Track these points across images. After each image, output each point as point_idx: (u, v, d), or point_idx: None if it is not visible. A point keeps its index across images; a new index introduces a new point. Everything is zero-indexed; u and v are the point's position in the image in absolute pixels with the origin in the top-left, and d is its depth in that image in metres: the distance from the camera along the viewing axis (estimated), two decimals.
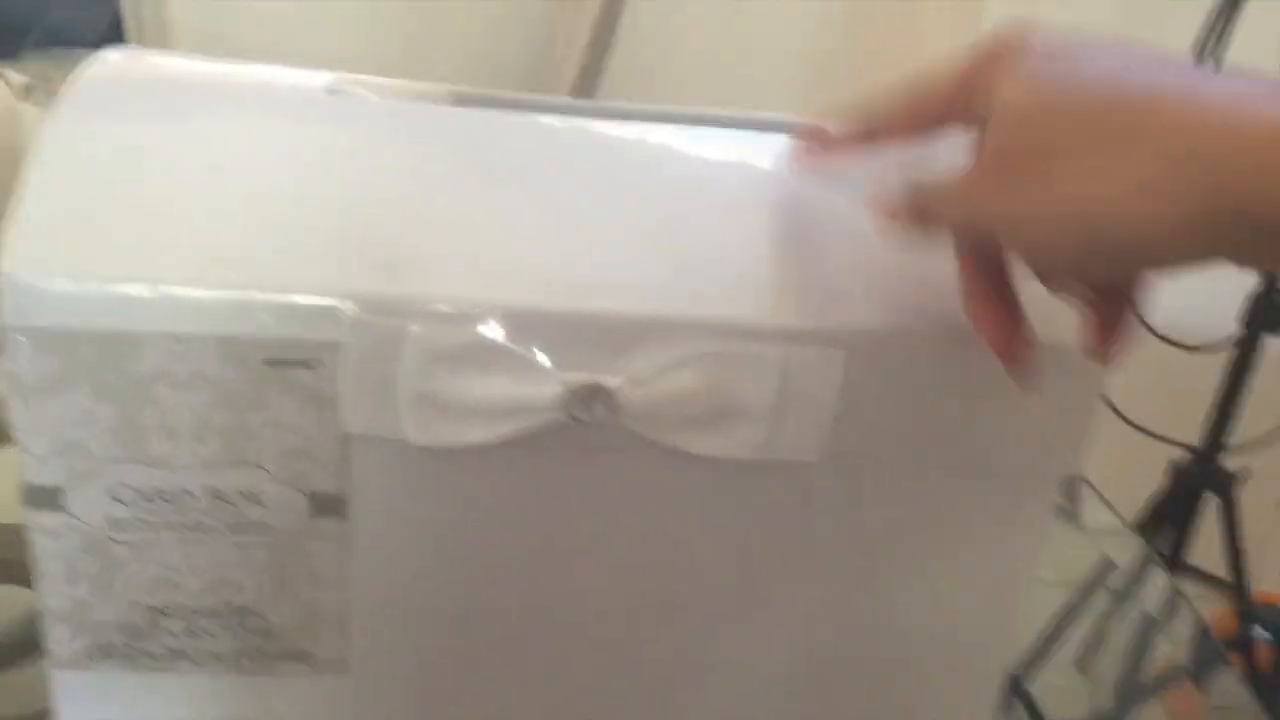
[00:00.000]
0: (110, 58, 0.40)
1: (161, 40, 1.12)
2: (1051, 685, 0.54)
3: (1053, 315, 0.37)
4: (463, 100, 0.41)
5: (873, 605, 0.41)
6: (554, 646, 0.41)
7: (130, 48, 0.42)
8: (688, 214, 0.39)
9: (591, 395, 0.35)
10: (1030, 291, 0.36)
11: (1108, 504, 0.72)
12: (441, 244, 0.36)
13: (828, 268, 0.38)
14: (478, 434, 0.36)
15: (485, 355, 0.35)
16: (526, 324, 0.35)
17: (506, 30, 1.22)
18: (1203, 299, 1.09)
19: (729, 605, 0.41)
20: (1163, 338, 1.12)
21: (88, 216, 0.35)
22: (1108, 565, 0.65)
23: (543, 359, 0.35)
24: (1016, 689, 0.52)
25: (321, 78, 0.42)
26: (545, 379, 0.35)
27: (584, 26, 1.15)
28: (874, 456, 0.38)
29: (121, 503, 0.36)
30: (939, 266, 0.38)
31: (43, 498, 0.36)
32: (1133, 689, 0.57)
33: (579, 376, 0.35)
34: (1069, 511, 0.69)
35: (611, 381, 0.36)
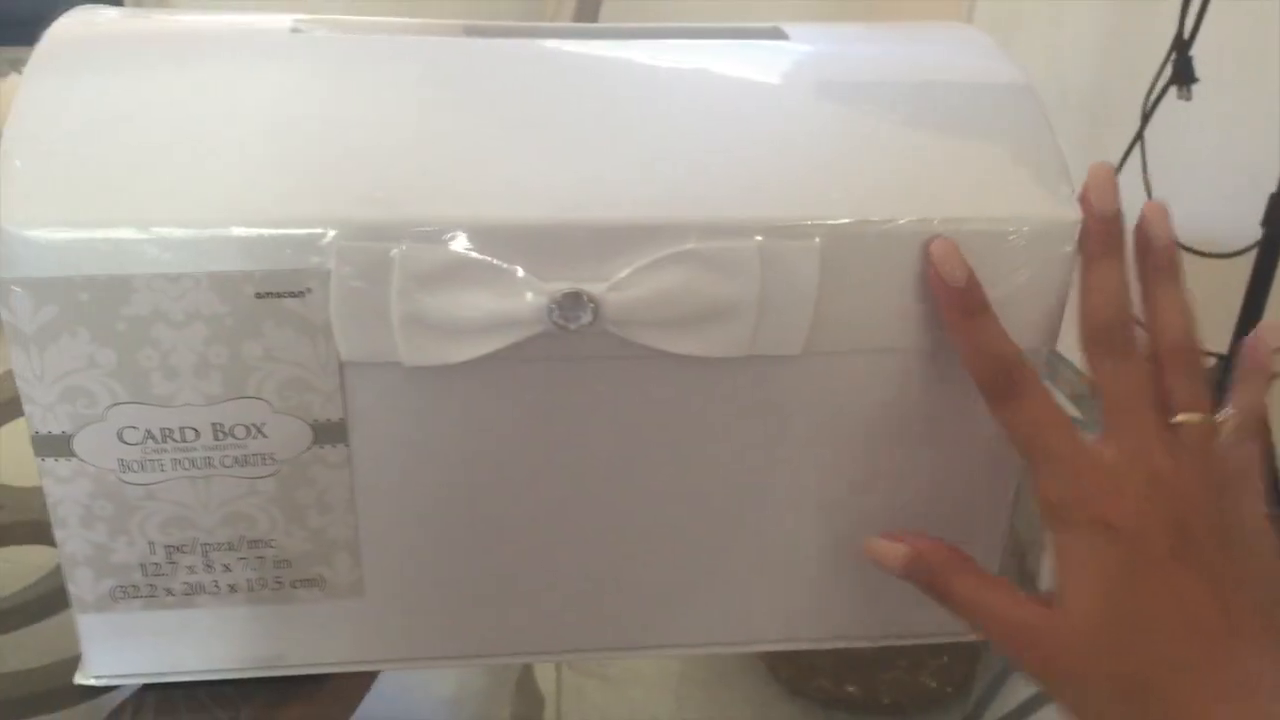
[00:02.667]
0: (79, 15, 0.41)
1: None
2: None
3: (1024, 185, 0.38)
4: (472, 31, 0.42)
5: (862, 491, 0.42)
6: (558, 553, 0.42)
7: (99, 6, 0.42)
8: (661, 120, 0.40)
9: (575, 303, 0.37)
10: (992, 163, 0.38)
11: None
12: (420, 166, 0.37)
13: (800, 164, 0.39)
14: (468, 350, 0.37)
15: (469, 272, 0.36)
16: (507, 238, 0.36)
17: None
18: (1221, 204, 1.10)
19: (723, 502, 0.42)
20: (1184, 247, 1.11)
21: (72, 166, 0.36)
22: None
23: (525, 272, 0.36)
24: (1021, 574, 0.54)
25: (284, 20, 0.42)
26: (529, 290, 0.36)
27: None
28: (854, 345, 0.39)
29: (129, 444, 0.38)
30: (912, 159, 0.39)
31: (52, 445, 0.37)
32: None
33: (561, 285, 0.36)
34: (1095, 428, 0.69)
35: (594, 288, 0.37)
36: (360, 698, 0.46)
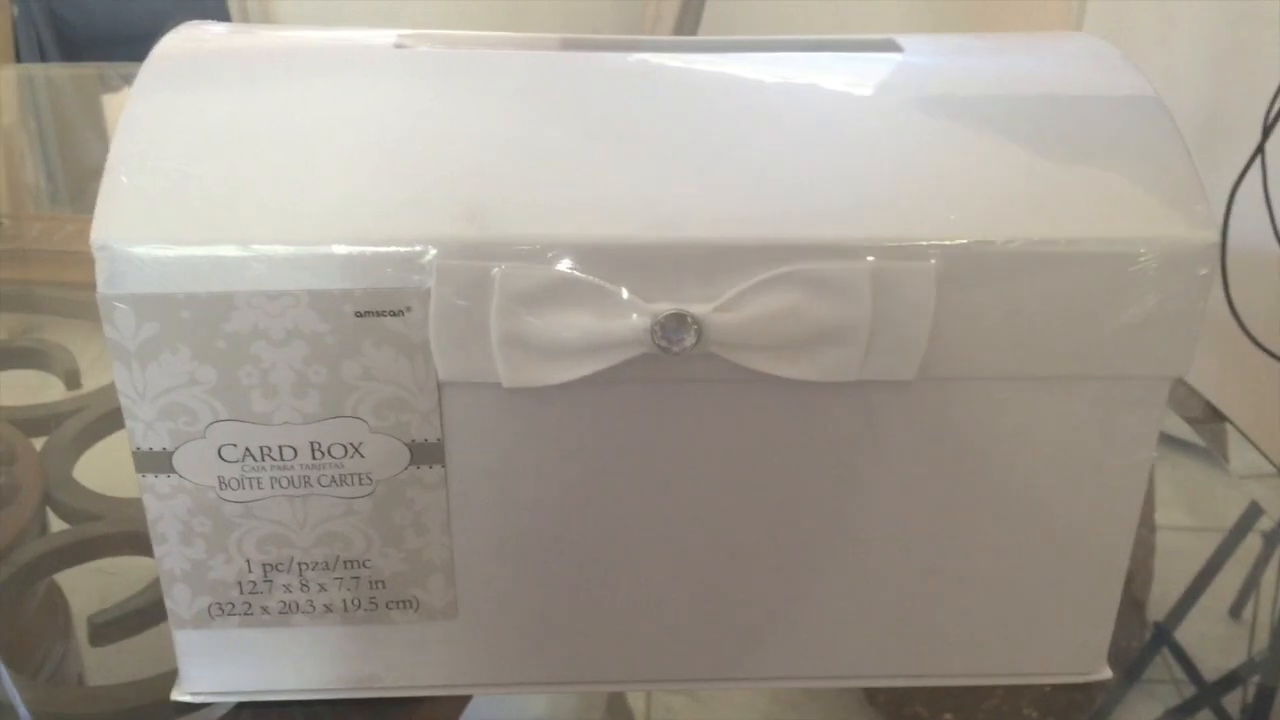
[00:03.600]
0: (184, 32, 0.41)
1: None
2: (1203, 634, 0.52)
3: (1156, 204, 0.36)
4: (570, 45, 0.42)
5: (976, 524, 0.40)
6: (654, 579, 0.41)
7: (206, 23, 0.42)
8: (770, 135, 0.38)
9: (678, 325, 0.35)
10: (1122, 180, 0.36)
11: (1255, 446, 0.68)
12: (521, 184, 0.36)
13: (914, 182, 0.37)
14: (568, 371, 0.36)
15: (571, 292, 0.35)
16: (610, 257, 0.35)
17: None
18: None
19: (830, 530, 0.40)
20: None
21: (175, 182, 0.35)
22: (1256, 510, 0.62)
23: (628, 292, 0.35)
24: (1163, 638, 0.51)
25: (387, 35, 0.42)
26: (631, 311, 0.35)
27: None
28: (970, 372, 0.38)
29: (228, 461, 0.37)
30: (1034, 176, 0.37)
31: (152, 462, 0.37)
32: None
33: (664, 306, 0.35)
34: (1215, 455, 0.66)
35: (698, 309, 0.35)
36: None
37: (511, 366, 0.36)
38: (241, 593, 0.40)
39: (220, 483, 0.38)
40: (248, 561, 0.39)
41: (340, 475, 0.38)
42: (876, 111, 0.39)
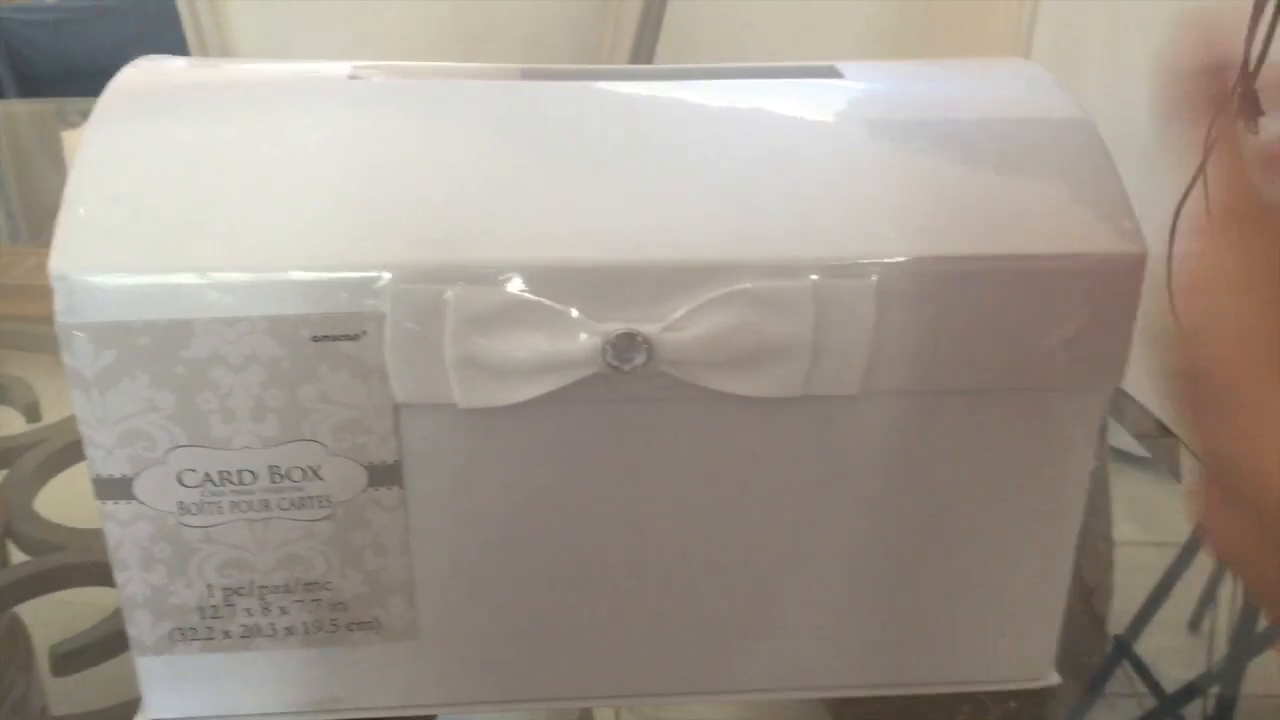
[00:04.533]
0: (141, 65, 0.42)
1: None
2: (1162, 646, 0.53)
3: (1087, 221, 0.38)
4: (528, 74, 0.43)
5: (923, 534, 0.42)
6: (614, 595, 0.42)
7: (165, 57, 0.43)
8: (714, 160, 0.39)
9: (629, 344, 0.36)
10: (1054, 199, 0.37)
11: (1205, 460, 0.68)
12: (473, 209, 0.37)
13: (855, 202, 0.38)
14: (522, 391, 0.37)
15: (524, 313, 0.36)
16: (561, 279, 0.36)
17: (555, 18, 1.24)
18: None
19: (777, 545, 0.41)
20: None
21: (132, 211, 0.36)
22: None
23: (579, 313, 0.36)
24: (1124, 651, 0.52)
25: (341, 67, 0.43)
26: (583, 331, 0.36)
27: (631, 14, 1.17)
28: (912, 385, 0.39)
29: (188, 486, 0.38)
30: (970, 195, 0.39)
31: (112, 488, 0.38)
32: (1247, 644, 0.56)
33: (615, 326, 0.36)
34: (1168, 470, 0.66)
35: (648, 329, 0.36)
36: None
37: (467, 387, 0.37)
38: (203, 617, 0.40)
39: (180, 508, 0.38)
40: (209, 586, 0.40)
41: (300, 498, 0.38)
42: (818, 135, 0.41)
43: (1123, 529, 0.62)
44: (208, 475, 0.38)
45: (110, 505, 0.38)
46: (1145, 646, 0.53)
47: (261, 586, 0.40)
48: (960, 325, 0.38)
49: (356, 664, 0.42)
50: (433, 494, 0.39)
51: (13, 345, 0.77)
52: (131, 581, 0.39)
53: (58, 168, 1.18)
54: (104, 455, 0.37)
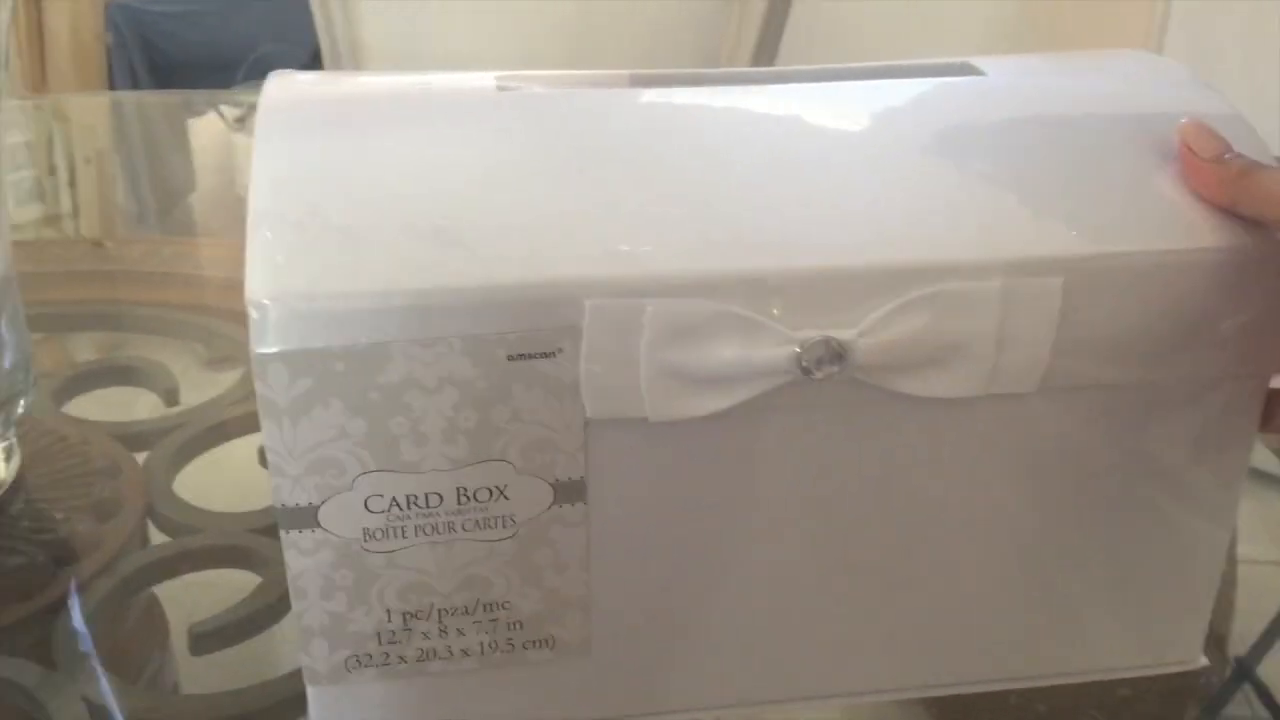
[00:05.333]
0: (284, 78, 0.41)
1: (355, 62, 1.16)
2: None
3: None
4: (639, 81, 0.42)
5: (1089, 525, 0.42)
6: (789, 603, 0.42)
7: (294, 72, 0.42)
8: (880, 161, 0.39)
9: (824, 350, 0.36)
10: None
11: None
12: (659, 219, 0.37)
13: (1031, 199, 0.38)
14: (714, 403, 0.37)
15: (719, 324, 0.36)
16: (755, 288, 0.36)
17: (678, 20, 1.23)
18: None
19: (950, 544, 0.42)
20: None
21: (318, 234, 0.35)
22: None
23: (773, 321, 0.36)
24: (1245, 673, 0.52)
25: (485, 78, 0.42)
26: (778, 340, 0.36)
27: (755, 12, 1.16)
28: (1088, 381, 0.39)
29: (373, 512, 0.37)
30: (1139, 189, 0.39)
31: (297, 518, 0.37)
32: None
33: (811, 333, 0.36)
34: None
35: (844, 335, 0.36)
36: None
37: (659, 400, 0.37)
38: (380, 644, 0.39)
39: (365, 534, 0.37)
40: (388, 612, 0.39)
41: (484, 519, 0.38)
42: (976, 134, 0.41)
43: (1250, 547, 0.60)
44: (394, 500, 0.37)
45: (294, 535, 0.37)
46: (1268, 670, 0.52)
47: (441, 610, 0.39)
48: (1138, 320, 0.38)
49: (527, 681, 0.41)
50: (616, 508, 0.39)
51: (152, 330, 0.78)
52: (310, 610, 0.39)
53: (184, 156, 1.20)
54: (290, 484, 0.36)
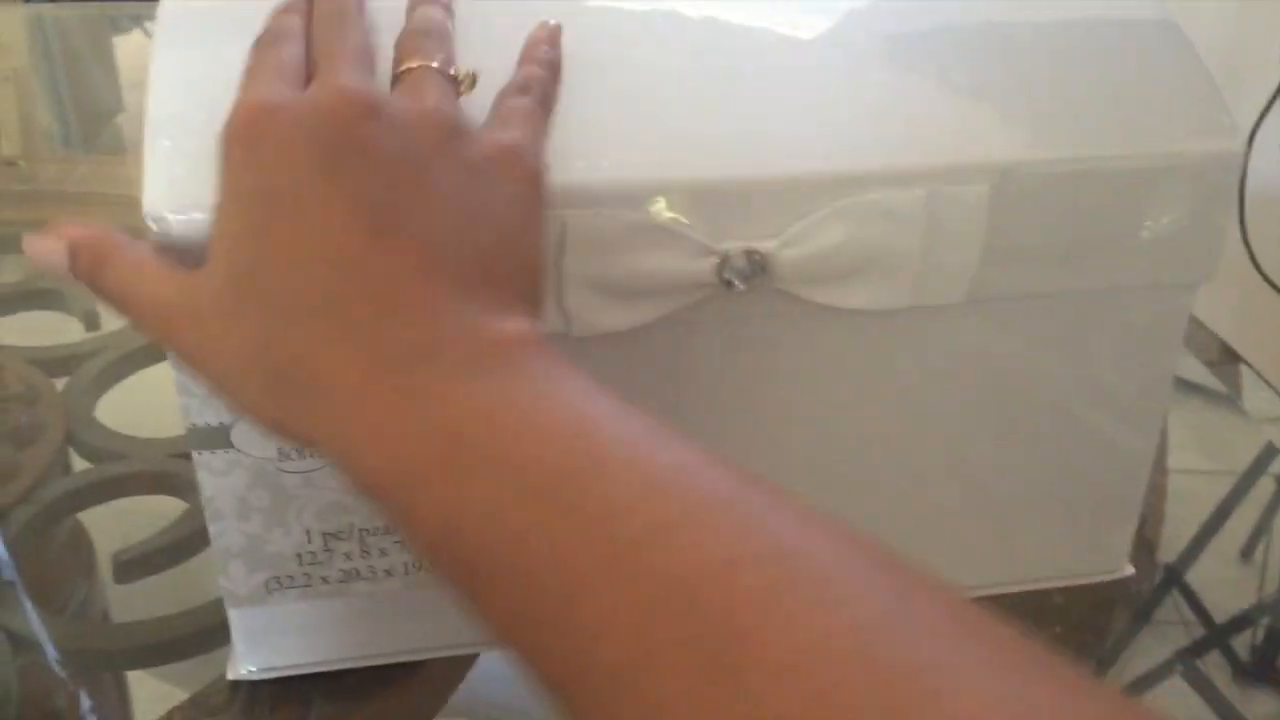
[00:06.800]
0: None
1: None
2: (1214, 576, 0.52)
3: (1186, 119, 0.38)
4: None
5: (1016, 435, 0.42)
6: None
7: None
8: (812, 73, 0.38)
9: (747, 261, 0.36)
10: (1150, 99, 0.37)
11: (1272, 387, 0.66)
12: (582, 128, 0.36)
13: (958, 107, 0.38)
14: (638, 316, 0.36)
15: (640, 235, 0.35)
16: (676, 199, 0.35)
17: None
18: None
19: (880, 454, 0.41)
20: None
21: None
22: (1271, 452, 0.60)
23: (694, 233, 0.35)
24: (1174, 580, 0.52)
25: None
26: (699, 251, 0.35)
27: None
28: (1015, 290, 0.39)
29: None
30: (1067, 98, 0.38)
31: (208, 437, 0.36)
32: None
33: (733, 244, 0.35)
34: (1230, 398, 0.63)
35: (765, 245, 0.36)
36: (455, 686, 0.45)
37: (581, 314, 0.36)
38: (300, 565, 0.39)
39: (280, 454, 0.37)
40: (308, 532, 0.38)
41: None
42: (910, 42, 0.40)
43: (1179, 457, 0.60)
44: None
45: (205, 455, 0.36)
46: (1196, 576, 0.53)
47: (362, 530, 0.39)
48: (1064, 228, 0.38)
49: (454, 602, 0.41)
50: None
51: None
52: (227, 533, 0.38)
53: (109, 74, 1.17)
54: (199, 404, 0.35)
